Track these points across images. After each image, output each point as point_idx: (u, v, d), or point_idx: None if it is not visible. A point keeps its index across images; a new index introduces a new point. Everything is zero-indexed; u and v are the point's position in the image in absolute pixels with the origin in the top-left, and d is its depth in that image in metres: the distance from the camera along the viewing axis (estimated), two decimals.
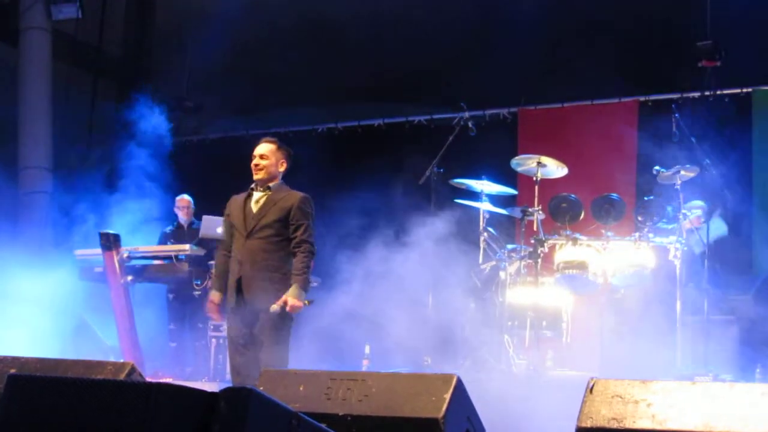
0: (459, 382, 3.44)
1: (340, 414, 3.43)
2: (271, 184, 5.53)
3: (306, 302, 5.38)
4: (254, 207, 5.49)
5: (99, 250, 7.81)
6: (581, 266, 6.93)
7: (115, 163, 9.73)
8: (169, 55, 11.81)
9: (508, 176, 7.95)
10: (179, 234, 8.79)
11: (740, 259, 8.08)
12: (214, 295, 5.59)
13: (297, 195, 5.51)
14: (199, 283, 7.94)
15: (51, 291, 8.23)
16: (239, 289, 5.38)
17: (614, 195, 7.27)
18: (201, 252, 7.93)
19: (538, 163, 7.21)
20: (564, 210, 7.27)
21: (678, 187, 6.91)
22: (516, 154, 7.75)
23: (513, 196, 8.21)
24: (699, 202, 7.48)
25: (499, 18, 9.58)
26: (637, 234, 6.98)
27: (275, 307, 5.24)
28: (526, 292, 7.08)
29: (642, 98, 9.34)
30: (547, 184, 7.43)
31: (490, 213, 7.69)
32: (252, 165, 5.54)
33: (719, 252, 7.37)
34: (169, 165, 9.39)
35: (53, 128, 10.40)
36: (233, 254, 5.50)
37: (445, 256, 7.19)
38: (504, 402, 5.22)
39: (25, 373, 3.42)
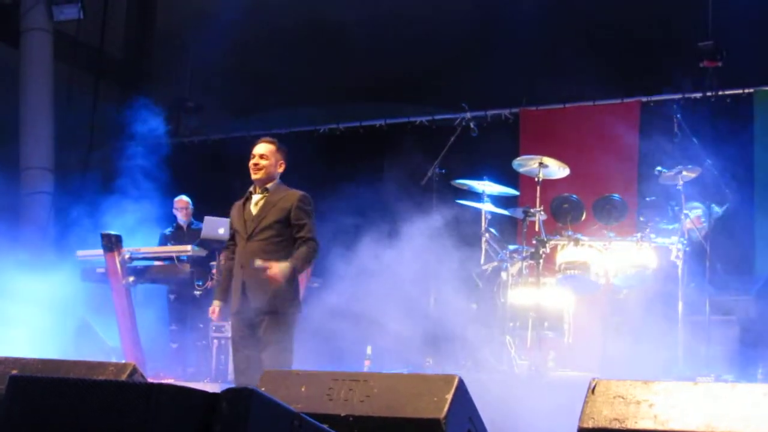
0: (461, 382, 3.44)
1: (342, 414, 3.43)
2: (268, 186, 5.52)
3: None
4: (253, 209, 5.49)
5: (100, 251, 7.83)
6: (583, 267, 6.93)
7: (116, 163, 9.73)
8: (170, 56, 11.82)
9: (509, 177, 7.94)
10: (179, 235, 8.79)
11: (742, 259, 8.07)
12: (216, 305, 5.65)
13: (295, 194, 5.49)
14: (200, 283, 7.94)
15: (52, 291, 8.23)
16: (243, 292, 5.39)
17: (616, 195, 7.26)
18: (203, 253, 7.93)
19: (540, 163, 7.21)
20: (566, 210, 7.26)
21: (680, 187, 6.91)
22: (517, 155, 7.75)
23: (514, 197, 8.20)
24: (698, 204, 7.46)
25: (501, 18, 9.58)
26: (638, 234, 6.97)
27: (260, 263, 5.26)
28: (527, 293, 7.07)
29: (643, 99, 9.31)
30: (548, 184, 7.42)
31: (492, 214, 7.69)
32: (251, 164, 5.52)
33: (718, 232, 7.30)
34: (170, 166, 9.39)
35: (54, 129, 10.42)
36: (236, 258, 5.51)
37: (447, 257, 7.18)
38: (505, 402, 5.23)
39: (26, 374, 3.43)
